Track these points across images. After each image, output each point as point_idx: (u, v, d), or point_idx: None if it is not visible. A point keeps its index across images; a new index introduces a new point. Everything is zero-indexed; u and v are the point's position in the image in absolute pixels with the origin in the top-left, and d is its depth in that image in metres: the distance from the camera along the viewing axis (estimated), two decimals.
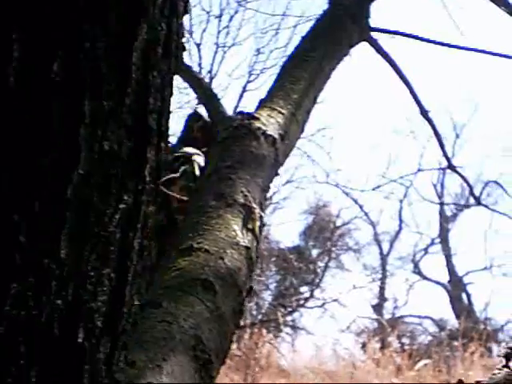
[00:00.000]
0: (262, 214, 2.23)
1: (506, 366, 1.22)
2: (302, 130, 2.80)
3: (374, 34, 3.53)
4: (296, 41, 3.17)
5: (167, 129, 0.92)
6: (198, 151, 3.23)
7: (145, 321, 1.68)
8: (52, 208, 0.74)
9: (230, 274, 1.93)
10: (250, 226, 2.14)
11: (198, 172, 3.23)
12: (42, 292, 0.72)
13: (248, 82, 10.74)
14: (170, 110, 0.93)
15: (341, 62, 3.10)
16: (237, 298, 1.93)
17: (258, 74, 10.59)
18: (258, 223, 2.17)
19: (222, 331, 1.80)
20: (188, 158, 3.15)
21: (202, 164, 3.19)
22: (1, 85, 0.71)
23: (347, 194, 15.74)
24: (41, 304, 0.72)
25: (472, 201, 14.43)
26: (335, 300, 14.13)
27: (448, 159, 4.75)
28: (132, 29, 0.81)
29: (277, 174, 2.57)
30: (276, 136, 2.50)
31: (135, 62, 0.81)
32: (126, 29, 0.81)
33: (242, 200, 2.16)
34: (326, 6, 3.17)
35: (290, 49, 3.27)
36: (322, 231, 15.44)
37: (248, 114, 2.56)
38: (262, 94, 2.77)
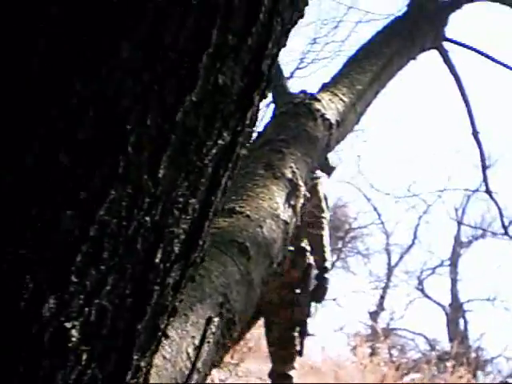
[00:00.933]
0: (307, 194, 2.23)
1: None
2: (358, 122, 2.79)
3: (445, 44, 3.50)
4: (354, 38, 3.15)
5: (272, 78, 0.92)
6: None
7: None
8: (160, 127, 0.75)
9: (265, 244, 1.94)
10: (292, 202, 2.14)
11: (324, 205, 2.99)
12: (134, 205, 0.73)
13: (297, 68, 10.69)
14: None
15: (409, 62, 3.08)
16: (267, 268, 1.94)
17: (309, 63, 10.53)
18: (300, 201, 2.18)
19: (249, 296, 1.81)
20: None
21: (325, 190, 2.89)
22: None
23: (369, 199, 15.70)
24: (131, 216, 0.73)
25: (494, 230, 14.30)
26: (334, 299, 14.15)
27: (486, 183, 4.72)
28: None
29: (326, 159, 2.57)
30: (333, 121, 2.50)
31: (265, 3, 0.81)
32: None
33: (289, 175, 2.17)
34: (391, 8, 3.15)
35: (347, 44, 3.25)
36: (336, 230, 15.41)
37: (310, 94, 2.56)
38: (308, 83, 2.76)
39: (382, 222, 16.68)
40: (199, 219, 0.83)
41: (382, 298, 16.48)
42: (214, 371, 7.63)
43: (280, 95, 2.78)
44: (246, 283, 1.80)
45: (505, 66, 3.62)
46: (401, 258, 17.23)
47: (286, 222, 2.06)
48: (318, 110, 2.44)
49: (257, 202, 2.03)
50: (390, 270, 17.05)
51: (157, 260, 0.78)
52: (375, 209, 16.16)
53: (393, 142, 21.91)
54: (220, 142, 0.82)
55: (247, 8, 0.80)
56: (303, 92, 2.57)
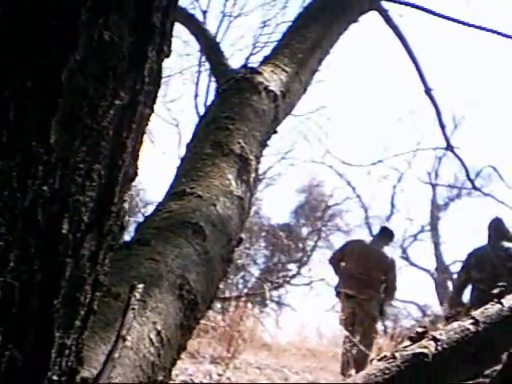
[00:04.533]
0: (258, 167, 2.20)
1: (499, 302, 1.23)
2: (305, 91, 2.76)
3: (385, 4, 3.49)
4: None
5: (171, 32, 0.88)
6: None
7: (132, 257, 1.65)
8: (45, 90, 0.71)
9: (221, 221, 1.91)
10: (244, 178, 2.11)
11: None
12: (27, 175, 0.70)
13: (251, 54, 10.64)
14: (175, 17, 0.90)
15: (349, 27, 3.06)
16: (226, 246, 1.91)
17: (262, 47, 10.49)
18: (252, 175, 2.15)
19: (210, 275, 1.78)
20: None
21: None
22: None
23: (341, 175, 15.75)
24: (25, 187, 0.69)
25: (465, 188, 14.44)
26: (322, 279, 14.19)
27: (447, 140, 4.73)
28: None
29: (275, 132, 2.54)
30: (278, 92, 2.46)
31: None
32: None
33: (238, 151, 2.13)
34: None
35: None
36: (314, 210, 15.45)
37: (251, 68, 2.52)
38: None
39: (358, 196, 16.76)
40: (107, 185, 0.79)
41: None
42: (211, 366, 7.62)
43: (222, 74, 2.74)
44: (204, 263, 1.77)
45: (450, 19, 3.61)
46: None
47: (240, 198, 2.03)
48: (261, 83, 2.41)
49: (208, 181, 1.99)
50: None
51: (64, 231, 0.74)
52: (349, 183, 16.22)
53: (353, 114, 21.96)
54: (117, 102, 0.79)
55: None
56: (244, 67, 2.53)
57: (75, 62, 0.73)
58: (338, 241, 16.42)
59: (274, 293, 13.53)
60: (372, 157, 16.26)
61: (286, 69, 2.59)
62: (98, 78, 0.76)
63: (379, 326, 10.48)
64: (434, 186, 16.94)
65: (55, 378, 0.78)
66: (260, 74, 2.47)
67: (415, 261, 17.01)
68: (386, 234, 7.18)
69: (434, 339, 1.18)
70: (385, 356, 1.18)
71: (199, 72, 9.45)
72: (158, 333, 1.51)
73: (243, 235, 2.15)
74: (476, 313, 1.23)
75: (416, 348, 1.18)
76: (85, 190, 0.76)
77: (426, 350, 1.17)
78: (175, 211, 1.85)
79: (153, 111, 0.88)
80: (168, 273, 1.63)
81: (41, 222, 0.71)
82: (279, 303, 14.34)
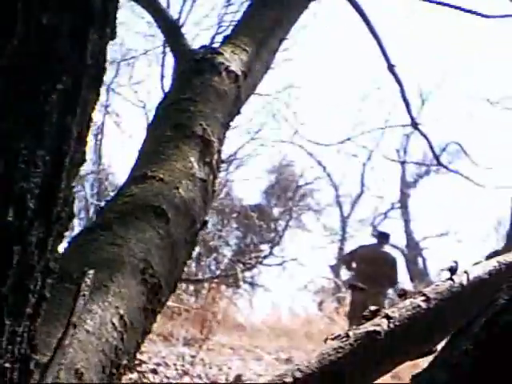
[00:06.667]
0: (221, 149, 2.19)
1: (450, 278, 1.25)
2: (267, 70, 2.75)
3: None
4: None
5: (114, 15, 0.87)
6: None
7: (94, 243, 1.65)
8: None
9: (184, 204, 1.90)
10: (207, 160, 2.10)
11: None
12: None
13: (217, 33, 10.54)
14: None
15: (309, 4, 3.05)
16: (190, 229, 1.90)
17: (227, 26, 10.40)
18: (215, 157, 2.14)
19: (173, 259, 1.78)
20: None
21: None
22: None
23: (311, 154, 15.80)
24: None
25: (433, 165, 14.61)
26: (294, 259, 14.29)
27: (412, 117, 4.76)
28: None
29: (238, 112, 2.53)
30: (239, 72, 2.45)
31: None
32: None
33: (200, 132, 2.12)
34: None
35: None
36: (285, 190, 15.50)
37: (211, 48, 2.51)
38: None
39: (329, 175, 16.86)
40: (53, 171, 0.78)
41: (341, 249, 16.72)
42: (185, 348, 7.65)
43: (182, 55, 2.72)
44: (167, 246, 1.76)
45: None
46: (352, 207, 17.48)
47: (203, 180, 2.03)
48: (222, 63, 2.39)
49: (169, 164, 1.98)
50: (344, 221, 17.30)
51: (10, 218, 0.73)
52: (319, 163, 16.30)
53: (321, 93, 21.97)
54: (59, 86, 0.78)
55: None
56: (204, 47, 2.51)
57: (13, 46, 0.72)
58: (310, 220, 16.55)
59: (247, 273, 13.59)
60: (341, 135, 16.31)
61: (247, 48, 2.58)
62: (37, 61, 0.75)
63: None
64: (402, 163, 17.09)
65: (8, 365, 0.78)
66: (221, 54, 2.45)
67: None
68: (383, 237, 9.01)
69: (387, 317, 1.20)
70: (339, 335, 1.19)
71: (164, 53, 9.34)
72: (121, 317, 1.50)
73: (214, 217, 2.15)
74: (427, 289, 1.25)
75: (369, 326, 1.19)
76: (29, 176, 0.75)
77: (378, 328, 1.18)
78: (137, 195, 1.84)
79: (99, 95, 0.87)
80: (130, 257, 1.62)
81: None
82: (252, 284, 14.41)
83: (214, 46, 2.62)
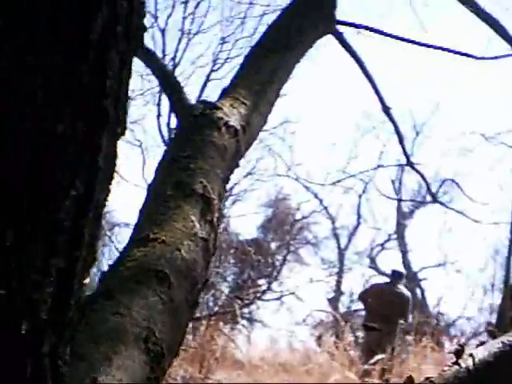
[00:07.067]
0: (221, 206, 2.19)
1: (456, 363, 1.23)
2: (265, 122, 2.77)
3: (340, 28, 3.52)
4: (262, 31, 3.14)
5: (125, 114, 0.88)
6: None
7: (97, 313, 1.63)
8: None
9: (186, 266, 1.89)
10: (208, 218, 2.10)
11: None
12: None
13: (212, 70, 10.65)
14: (129, 95, 0.90)
15: (305, 54, 3.08)
16: (192, 290, 1.89)
17: (223, 64, 10.51)
18: (216, 214, 2.14)
19: (176, 323, 1.76)
20: None
21: None
22: None
23: (307, 188, 15.82)
24: None
25: (429, 198, 14.63)
26: (292, 293, 14.21)
27: (407, 156, 4.80)
28: (91, 4, 0.77)
29: (237, 166, 2.54)
30: (238, 127, 2.46)
31: (93, 39, 0.77)
32: (86, 4, 0.76)
33: (200, 190, 2.13)
34: None
35: (256, 39, 3.23)
36: (281, 224, 15.48)
37: (210, 103, 2.52)
38: (226, 83, 2.74)
39: (325, 208, 16.85)
40: (66, 279, 0.78)
41: (339, 282, 16.65)
42: None
43: (181, 110, 2.74)
44: (170, 311, 1.75)
45: (399, 38, 3.67)
46: (349, 240, 17.45)
47: (204, 239, 2.02)
48: (221, 118, 2.41)
49: (171, 225, 1.98)
50: (341, 253, 17.24)
51: (23, 331, 0.73)
52: (316, 196, 16.30)
53: (316, 128, 22.11)
54: (72, 192, 0.78)
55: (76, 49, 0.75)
56: (202, 102, 2.53)
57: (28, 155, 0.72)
58: (308, 253, 16.50)
59: (245, 309, 13.50)
60: (337, 168, 16.36)
61: (245, 101, 2.59)
62: (51, 169, 0.75)
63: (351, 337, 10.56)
64: (398, 200, 17.15)
65: None
66: (219, 108, 2.46)
67: (384, 269, 17.14)
68: (397, 276, 9.20)
69: None
70: None
71: (160, 92, 9.42)
72: None
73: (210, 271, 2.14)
74: (434, 377, 1.23)
75: None
76: (42, 287, 0.75)
77: None
78: (139, 259, 1.83)
79: (109, 192, 0.87)
80: (133, 326, 1.61)
81: None
82: (250, 319, 14.31)
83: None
